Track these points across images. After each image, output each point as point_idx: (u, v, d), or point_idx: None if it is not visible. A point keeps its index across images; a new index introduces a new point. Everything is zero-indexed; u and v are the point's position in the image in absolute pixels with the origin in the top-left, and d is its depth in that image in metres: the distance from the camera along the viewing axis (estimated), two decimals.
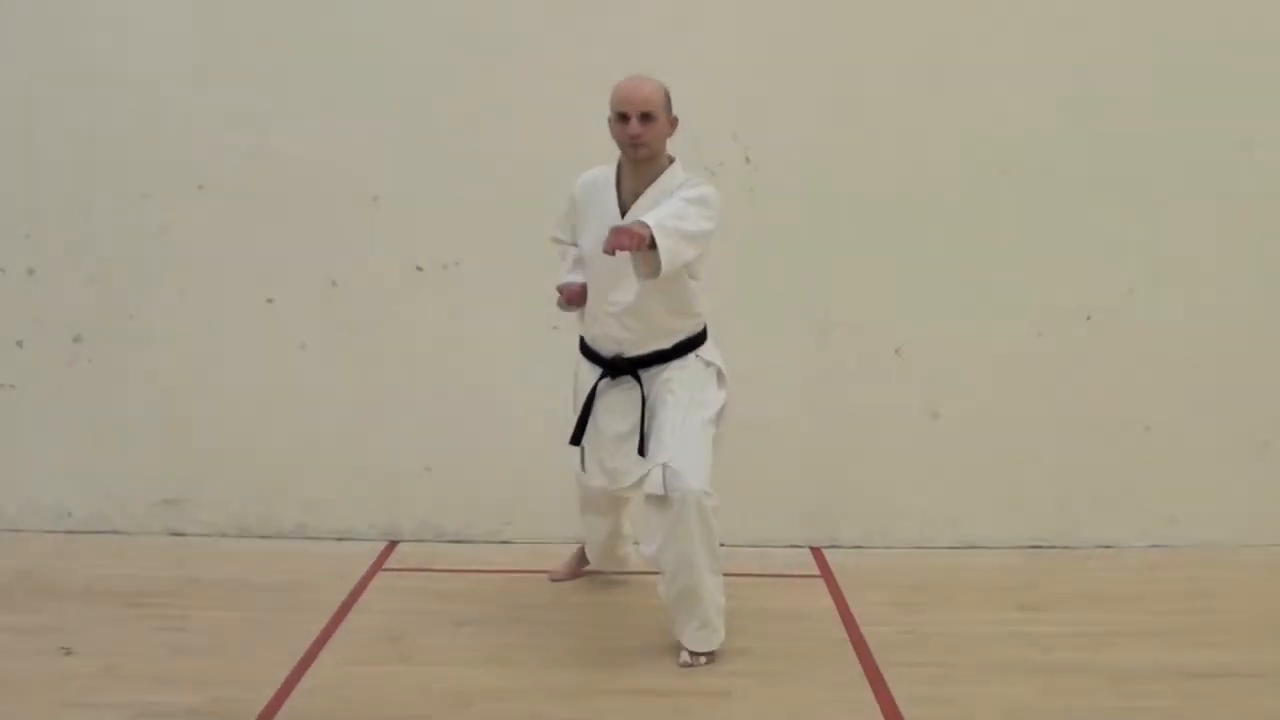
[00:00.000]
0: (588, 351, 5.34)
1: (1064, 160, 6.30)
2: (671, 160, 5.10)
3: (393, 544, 6.51)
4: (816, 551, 6.42)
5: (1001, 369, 6.41)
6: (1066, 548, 6.46)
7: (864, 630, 5.38)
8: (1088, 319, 6.38)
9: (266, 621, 5.44)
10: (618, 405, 5.22)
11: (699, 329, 5.24)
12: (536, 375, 6.11)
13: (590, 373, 5.30)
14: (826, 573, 6.13)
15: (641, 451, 5.11)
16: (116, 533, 6.57)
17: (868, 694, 4.76)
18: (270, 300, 6.47)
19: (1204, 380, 6.41)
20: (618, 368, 5.21)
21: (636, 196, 5.04)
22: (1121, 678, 4.89)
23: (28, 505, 6.61)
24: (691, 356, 5.19)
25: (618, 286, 5.05)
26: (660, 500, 4.92)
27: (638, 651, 5.14)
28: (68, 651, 5.09)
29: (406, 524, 6.58)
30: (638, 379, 5.18)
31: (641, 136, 4.91)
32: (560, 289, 5.30)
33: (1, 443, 6.60)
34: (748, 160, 6.30)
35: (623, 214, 5.02)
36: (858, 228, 6.32)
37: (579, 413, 5.32)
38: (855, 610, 5.62)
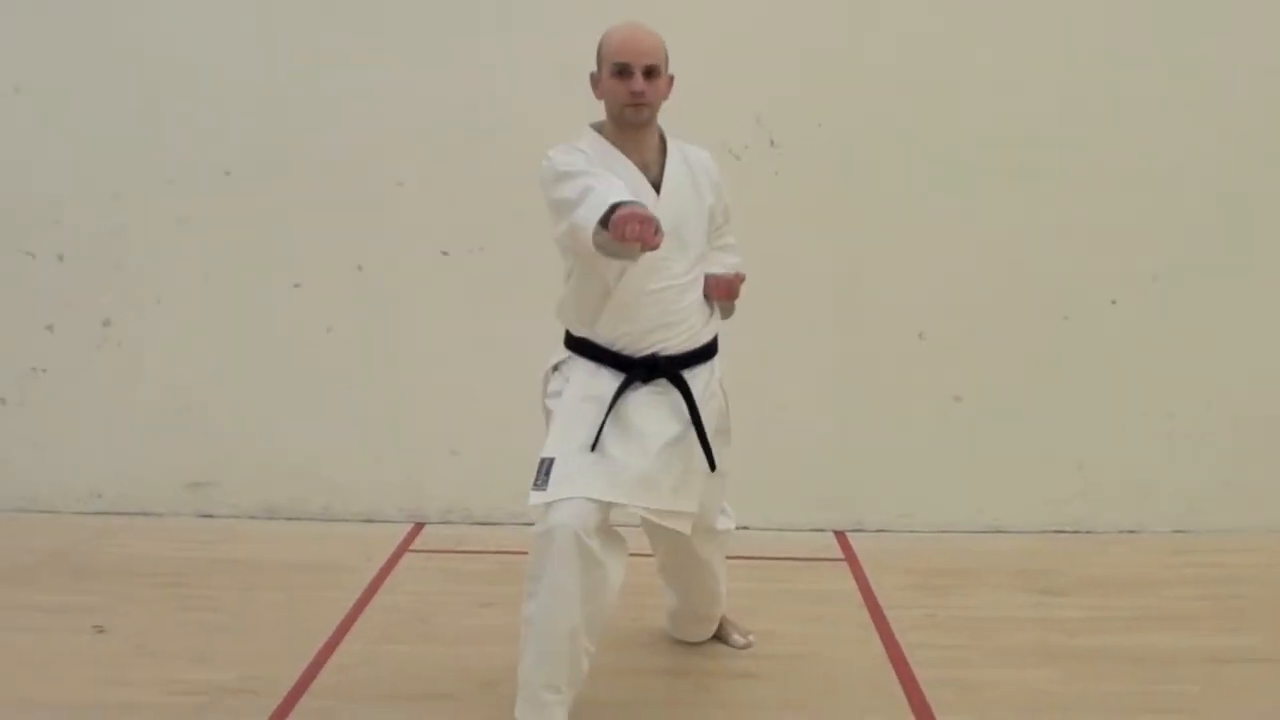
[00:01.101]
0: (600, 353, 4.33)
1: (1089, 145, 6.30)
2: (663, 132, 4.37)
3: (419, 526, 6.55)
4: (840, 535, 6.44)
5: (1025, 354, 6.42)
6: (1089, 532, 6.47)
7: (887, 613, 5.41)
8: (1112, 303, 6.38)
9: (295, 602, 5.48)
10: (658, 405, 4.27)
11: (715, 334, 4.50)
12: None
13: (605, 374, 4.28)
14: (850, 556, 6.16)
15: (712, 465, 4.31)
16: (146, 514, 6.62)
17: (891, 677, 4.78)
18: (297, 285, 6.51)
19: (1228, 365, 6.41)
20: (653, 369, 4.28)
21: (649, 168, 4.25)
22: (1144, 663, 4.89)
23: (59, 487, 6.66)
24: (716, 362, 4.47)
25: (666, 262, 4.18)
26: (708, 533, 4.61)
27: (663, 632, 5.16)
28: (100, 630, 5.14)
29: (433, 506, 6.62)
30: (679, 379, 4.29)
31: (646, 95, 4.17)
32: (619, 210, 3.68)
33: (33, 425, 6.65)
34: (772, 144, 6.31)
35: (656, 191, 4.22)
36: (881, 211, 6.33)
37: (600, 413, 4.20)
38: (878, 593, 5.65)
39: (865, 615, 5.41)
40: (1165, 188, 6.31)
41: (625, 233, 3.59)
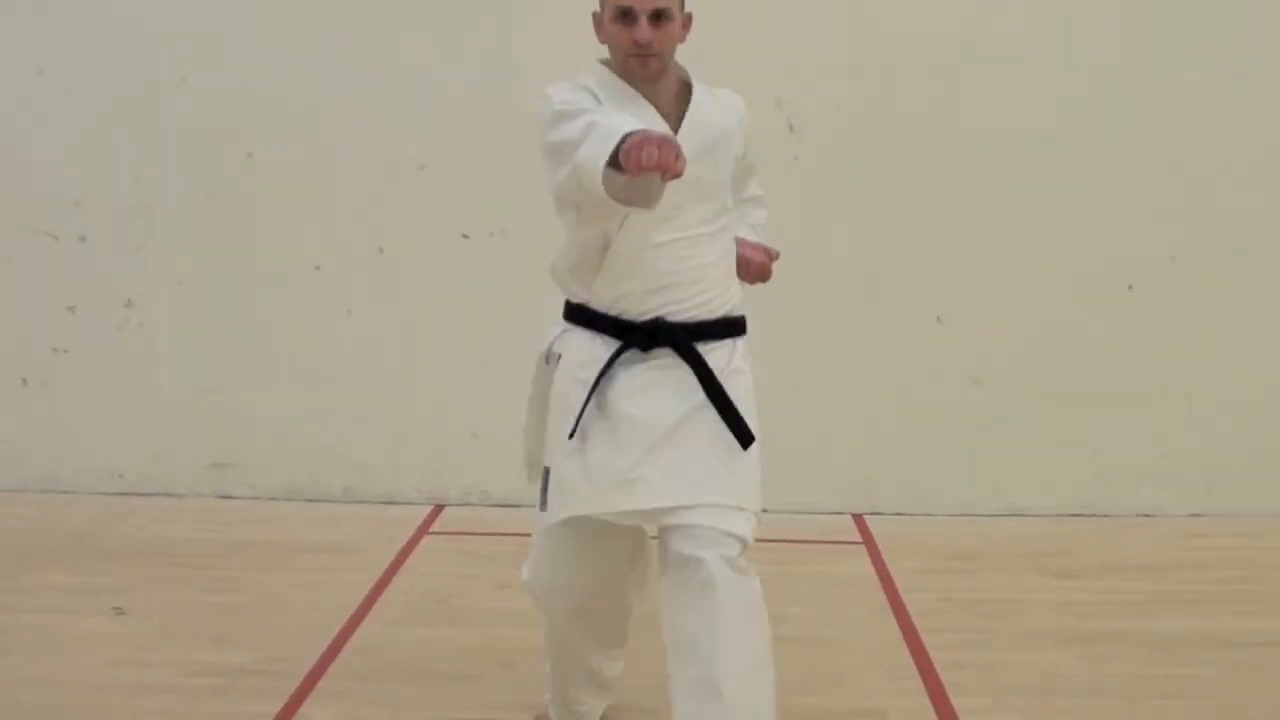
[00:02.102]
0: (595, 319, 3.68)
1: (1105, 127, 6.30)
2: (680, 70, 3.67)
3: (439, 508, 6.58)
4: (858, 518, 6.46)
5: (1043, 337, 6.42)
6: (1106, 515, 6.47)
7: (904, 596, 5.42)
8: (1129, 288, 6.38)
9: (314, 583, 5.52)
10: (656, 384, 3.57)
11: (739, 307, 3.78)
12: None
13: (599, 345, 3.63)
14: (868, 539, 6.18)
15: (746, 442, 3.59)
16: (167, 495, 6.66)
17: (907, 659, 4.81)
18: (318, 267, 6.53)
19: (1244, 349, 6.41)
20: (649, 336, 3.59)
21: (669, 118, 3.57)
22: (1160, 646, 4.91)
23: (80, 468, 6.70)
24: (742, 342, 3.73)
25: (678, 210, 3.49)
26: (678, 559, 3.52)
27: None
28: (120, 611, 5.17)
29: (453, 488, 6.65)
30: (690, 348, 3.58)
31: (655, 43, 3.48)
32: (629, 138, 3.09)
33: (54, 406, 6.69)
34: (791, 129, 6.32)
35: None
36: (899, 196, 6.34)
37: (581, 397, 3.59)
38: (895, 576, 5.67)
39: (882, 598, 5.43)
40: (1182, 170, 6.31)
41: (641, 158, 3.00)
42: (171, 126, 6.47)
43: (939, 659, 4.78)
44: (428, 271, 6.51)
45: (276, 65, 6.42)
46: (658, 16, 3.47)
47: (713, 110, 3.63)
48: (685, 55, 3.67)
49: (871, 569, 5.79)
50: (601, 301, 3.65)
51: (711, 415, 3.57)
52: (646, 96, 3.58)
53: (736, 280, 3.75)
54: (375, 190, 6.47)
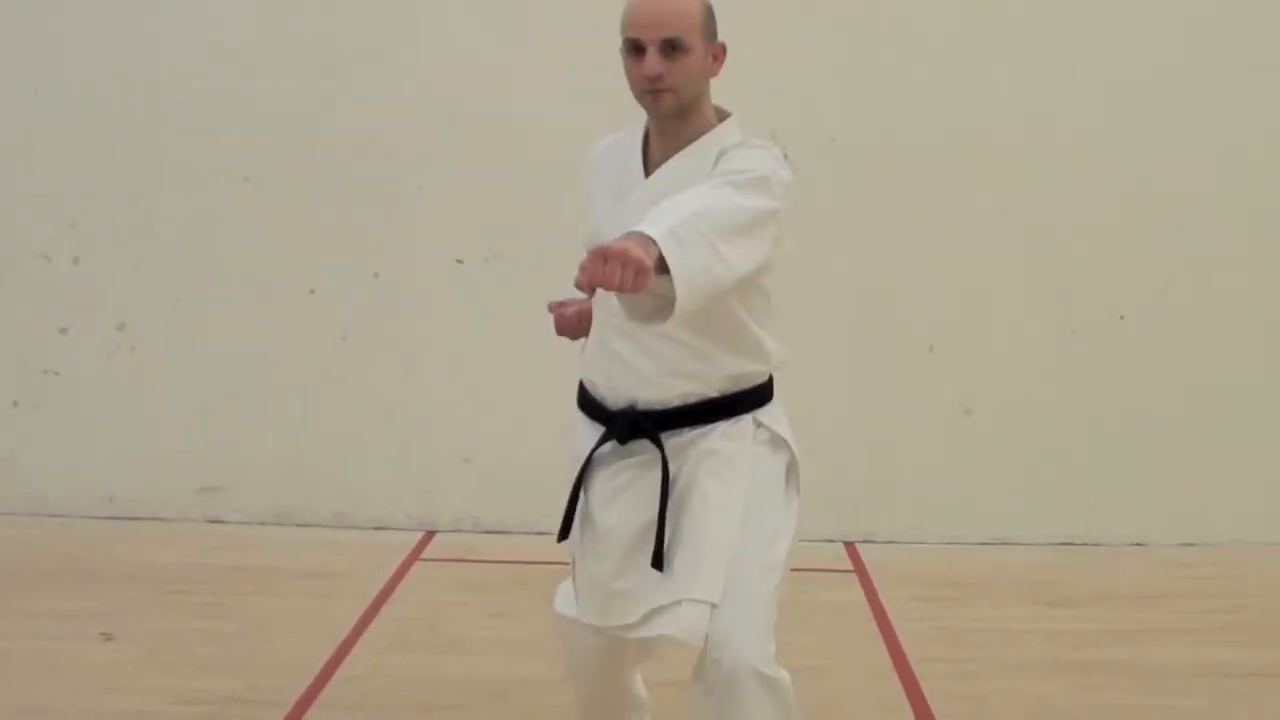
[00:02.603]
0: (587, 403, 3.45)
1: (1098, 159, 6.32)
2: (724, 115, 3.35)
3: (430, 534, 6.56)
4: (850, 546, 6.45)
5: (1034, 366, 6.42)
6: (1098, 544, 6.47)
7: (896, 625, 5.42)
8: (1121, 318, 6.39)
9: (304, 610, 5.50)
10: (629, 488, 3.32)
11: (763, 377, 3.46)
12: (576, 368, 6.14)
13: (587, 436, 3.40)
14: (860, 567, 6.17)
15: (658, 563, 3.21)
16: (158, 519, 6.63)
17: (898, 689, 4.79)
18: (312, 291, 6.53)
19: (1236, 379, 6.41)
20: (629, 426, 3.31)
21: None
22: (1152, 676, 4.91)
23: (71, 491, 6.68)
24: (748, 420, 3.38)
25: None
26: (699, 669, 3.23)
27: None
28: (108, 637, 5.15)
29: (444, 514, 6.63)
30: (660, 446, 3.26)
31: (665, 77, 3.14)
32: (551, 307, 3.46)
33: (45, 429, 6.68)
34: (785, 157, 6.30)
35: None
36: (893, 226, 6.35)
37: (569, 493, 3.41)
38: (887, 605, 5.66)
39: (873, 627, 5.42)
40: (1175, 200, 6.32)
41: (588, 279, 2.70)
42: (167, 148, 6.47)
43: (930, 689, 4.77)
44: (422, 296, 6.51)
45: (273, 88, 6.43)
46: (671, 47, 3.15)
47: (695, 165, 3.23)
48: None
49: (863, 597, 5.78)
50: (586, 379, 3.48)
51: (693, 509, 3.27)
52: (656, 144, 3.31)
53: (753, 340, 3.37)
54: (370, 215, 6.47)
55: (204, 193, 6.49)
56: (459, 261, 6.47)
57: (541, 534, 6.45)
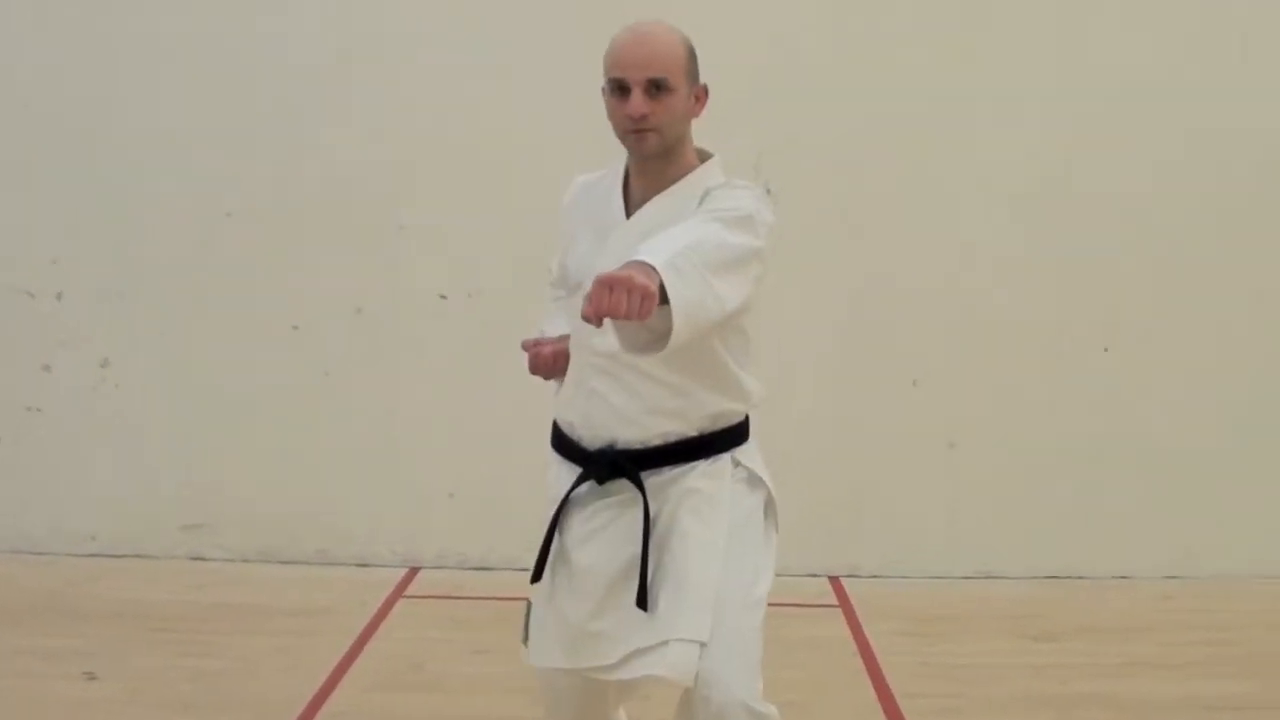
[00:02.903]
0: (563, 443, 3.46)
1: (1080, 190, 6.34)
2: (705, 156, 3.38)
3: (414, 570, 6.54)
4: (834, 581, 6.44)
5: (1018, 400, 6.43)
6: (1082, 578, 6.47)
7: (880, 660, 5.41)
8: (1105, 350, 6.41)
9: (288, 647, 5.47)
10: (607, 527, 3.33)
11: (741, 416, 3.46)
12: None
13: (564, 477, 3.40)
14: (844, 602, 6.16)
15: (642, 603, 3.22)
16: (141, 556, 6.60)
17: None
18: (295, 327, 6.52)
19: (1221, 412, 6.43)
20: (607, 466, 3.32)
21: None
22: (1137, 710, 4.91)
23: (54, 528, 6.65)
24: (726, 459, 3.38)
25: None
26: (685, 707, 3.31)
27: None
28: (92, 675, 5.13)
29: (428, 551, 6.61)
30: (640, 486, 3.26)
31: (650, 118, 3.17)
32: (526, 346, 3.49)
33: (28, 466, 6.65)
34: (769, 191, 6.33)
35: None
36: (877, 260, 6.36)
37: (544, 535, 3.42)
38: (872, 640, 5.65)
39: (858, 662, 5.41)
40: (1158, 233, 6.35)
41: (595, 308, 2.68)
42: (150, 185, 6.46)
43: None
44: (405, 332, 6.50)
45: (256, 124, 6.43)
46: (656, 88, 3.17)
47: (678, 206, 3.23)
48: None
49: (848, 632, 5.78)
50: (561, 419, 3.47)
51: (675, 548, 3.27)
52: (639, 191, 3.32)
53: (734, 379, 3.36)
54: (353, 250, 6.46)
55: (187, 229, 6.48)
56: (442, 297, 6.47)
57: (526, 570, 6.41)
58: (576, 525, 3.36)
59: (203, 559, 6.62)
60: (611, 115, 3.25)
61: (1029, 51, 6.32)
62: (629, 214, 3.32)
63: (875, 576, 6.50)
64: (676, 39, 3.25)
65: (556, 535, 3.39)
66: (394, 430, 6.55)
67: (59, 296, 6.57)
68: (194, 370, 6.56)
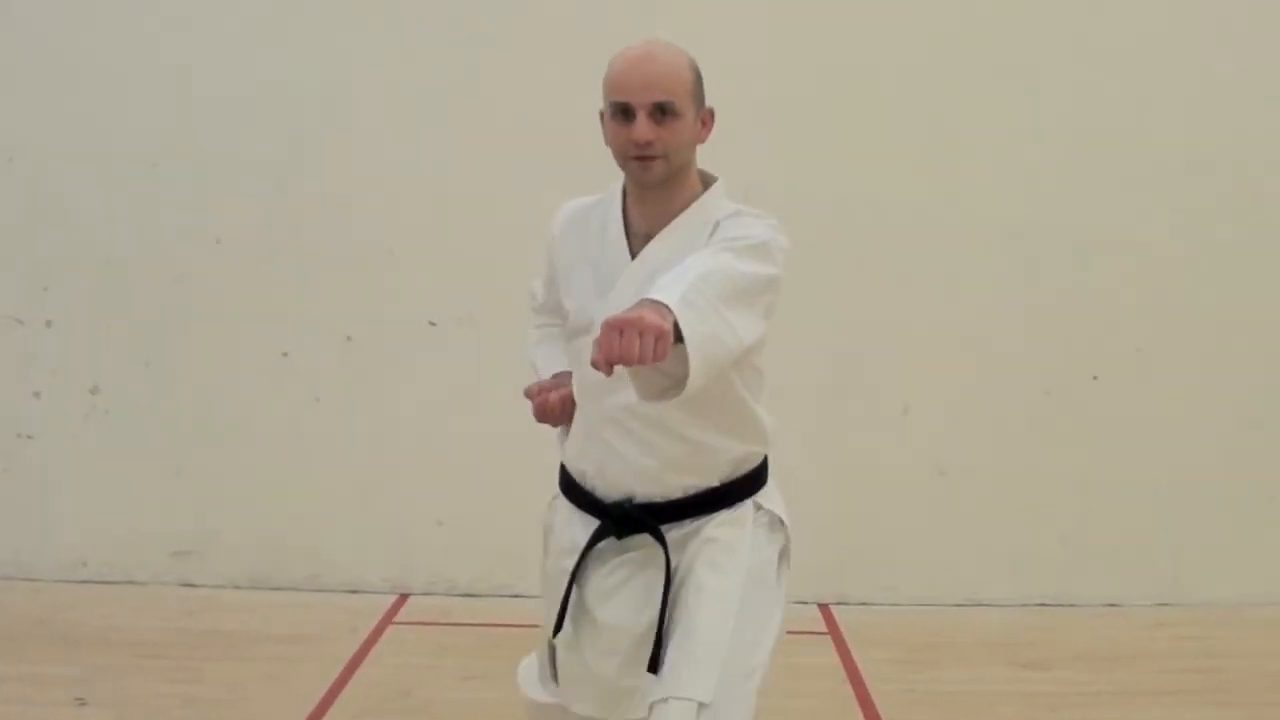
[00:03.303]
0: (574, 492, 3.32)
1: (1071, 220, 6.36)
2: (709, 181, 3.24)
3: (404, 597, 6.53)
4: (824, 608, 6.43)
5: (1008, 427, 6.44)
6: (1073, 605, 6.46)
7: (870, 688, 5.41)
8: (1094, 378, 6.42)
9: (278, 674, 5.46)
10: (628, 582, 3.21)
11: (760, 458, 3.36)
12: (550, 430, 6.13)
13: (578, 526, 3.28)
14: (834, 629, 6.16)
15: (654, 665, 3.09)
16: (131, 583, 6.58)
17: None
18: (285, 354, 6.52)
19: (1211, 439, 6.44)
20: (627, 520, 3.19)
21: (650, 237, 3.14)
22: None
23: (43, 554, 6.63)
24: (748, 505, 3.27)
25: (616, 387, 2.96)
26: None
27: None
28: (81, 702, 5.11)
29: (418, 577, 6.60)
30: (661, 539, 3.15)
31: (655, 144, 3.02)
32: (531, 394, 3.36)
33: (18, 492, 6.64)
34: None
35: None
36: (867, 288, 6.37)
37: (562, 590, 3.25)
38: (862, 667, 5.65)
39: (848, 690, 5.41)
40: (1148, 262, 6.37)
41: (612, 358, 2.55)
42: (140, 212, 6.47)
43: None
44: (395, 358, 6.50)
45: (246, 151, 6.44)
46: (662, 112, 3.02)
47: (689, 240, 3.09)
48: None
49: (838, 660, 5.77)
50: (573, 469, 3.32)
51: (689, 603, 3.13)
52: (631, 218, 3.18)
53: (752, 419, 3.29)
54: (343, 277, 6.47)
55: (176, 255, 6.49)
56: (432, 324, 6.47)
57: (516, 597, 6.45)
58: (596, 579, 3.23)
59: (193, 585, 6.60)
60: (612, 140, 3.10)
61: (1018, 88, 6.35)
62: (630, 245, 3.16)
63: (865, 604, 6.49)
64: (683, 60, 3.10)
65: (575, 587, 3.25)
66: (384, 457, 6.54)
67: (49, 324, 6.57)
68: (184, 397, 6.56)
